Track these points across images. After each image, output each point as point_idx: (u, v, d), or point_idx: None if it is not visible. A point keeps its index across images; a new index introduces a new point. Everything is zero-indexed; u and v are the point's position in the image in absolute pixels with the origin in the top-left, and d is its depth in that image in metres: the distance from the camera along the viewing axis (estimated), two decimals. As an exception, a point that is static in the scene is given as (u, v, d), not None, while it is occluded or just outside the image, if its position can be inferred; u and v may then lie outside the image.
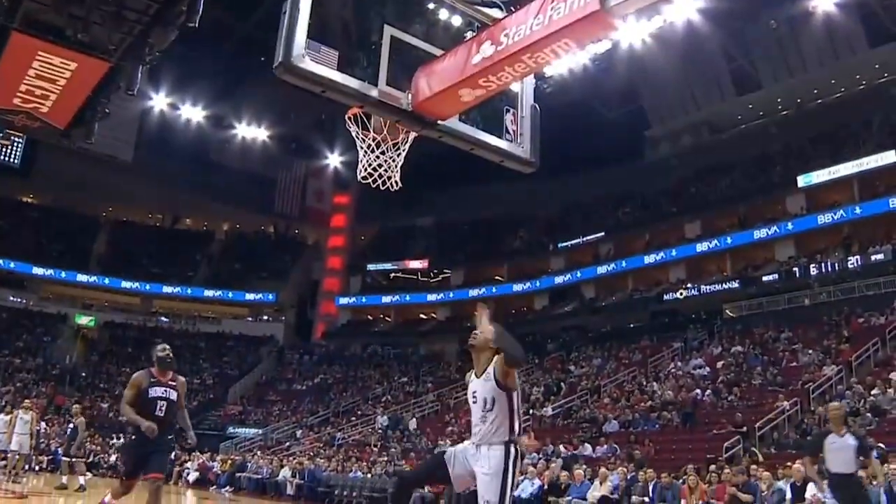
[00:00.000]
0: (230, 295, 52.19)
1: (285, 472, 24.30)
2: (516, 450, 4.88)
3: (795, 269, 33.41)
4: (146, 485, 7.37)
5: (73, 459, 17.25)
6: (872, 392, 19.57)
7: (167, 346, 7.62)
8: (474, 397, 4.99)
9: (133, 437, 7.32)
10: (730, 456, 18.21)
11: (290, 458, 27.34)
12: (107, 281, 50.20)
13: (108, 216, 55.62)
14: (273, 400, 42.39)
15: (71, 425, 17.40)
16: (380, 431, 31.48)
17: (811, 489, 12.70)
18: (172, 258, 53.34)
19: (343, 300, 51.60)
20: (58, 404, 37.73)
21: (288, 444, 33.54)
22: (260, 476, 25.08)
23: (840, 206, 33.89)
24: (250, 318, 52.58)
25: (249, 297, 52.42)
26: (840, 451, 8.99)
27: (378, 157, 5.87)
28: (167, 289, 51.26)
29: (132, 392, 7.23)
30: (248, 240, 58.20)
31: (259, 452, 30.09)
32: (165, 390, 7.32)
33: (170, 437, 7.55)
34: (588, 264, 42.95)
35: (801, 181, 35.52)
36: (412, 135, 5.88)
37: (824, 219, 34.04)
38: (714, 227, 38.70)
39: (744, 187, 39.05)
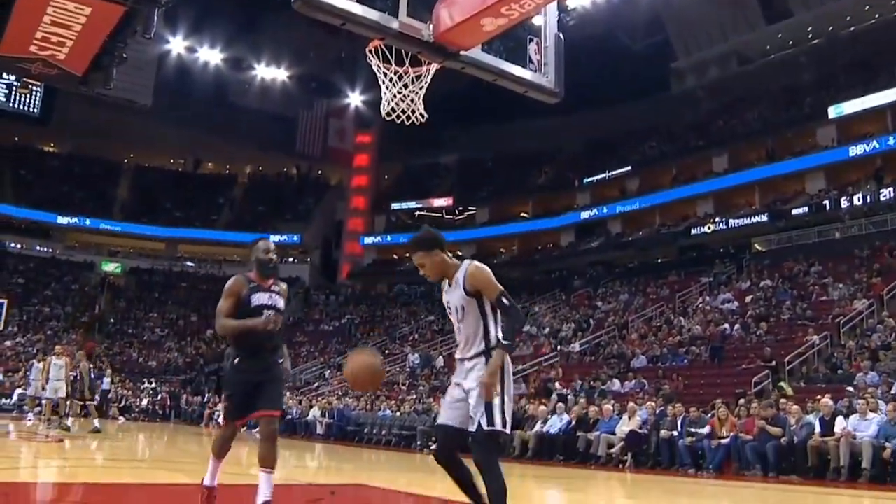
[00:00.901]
0: (255, 237, 52.24)
1: (315, 413, 24.67)
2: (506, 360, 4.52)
3: (826, 201, 32.92)
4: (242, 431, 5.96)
5: (87, 402, 17.62)
6: (905, 326, 19.42)
7: (271, 245, 6.13)
8: (449, 307, 4.72)
9: (237, 360, 5.60)
10: (759, 390, 18.21)
11: (319, 399, 27.70)
12: (131, 227, 50.69)
13: (129, 162, 55.93)
14: (300, 341, 42.84)
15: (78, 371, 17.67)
16: (408, 370, 31.77)
17: (840, 423, 12.71)
18: (195, 202, 53.73)
19: (368, 240, 51.77)
20: (88, 351, 38.33)
21: (316, 384, 33.95)
22: (290, 417, 25.44)
23: (873, 137, 33.18)
24: (275, 261, 52.89)
25: (274, 239, 52.33)
26: None
27: (401, 90, 5.78)
28: (191, 233, 51.73)
29: (230, 301, 5.58)
30: (270, 182, 58.38)
31: (288, 394, 30.45)
32: (271, 297, 5.75)
33: (281, 360, 5.89)
34: (614, 199, 42.67)
35: (833, 112, 34.78)
36: (434, 66, 5.77)
37: (856, 150, 33.33)
38: (742, 160, 38.17)
39: (773, 119, 38.41)
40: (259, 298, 5.66)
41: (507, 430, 4.50)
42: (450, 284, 4.67)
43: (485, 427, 4.38)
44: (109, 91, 9.78)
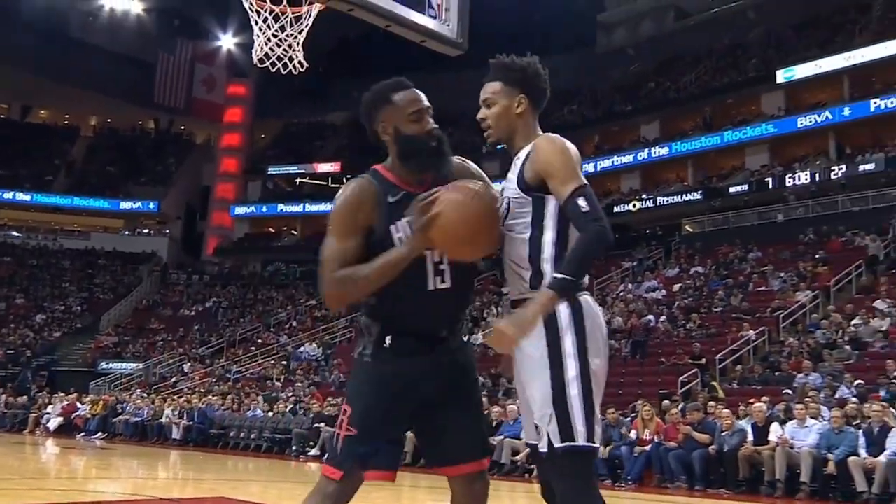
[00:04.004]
0: (101, 203, 51.18)
1: (169, 413, 24.28)
2: (574, 306, 3.15)
3: (769, 179, 33.83)
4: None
5: None
6: (853, 322, 20.00)
7: (414, 97, 3.61)
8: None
9: (377, 346, 3.41)
10: (686, 391, 18.73)
11: (176, 397, 27.33)
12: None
13: (-71, 103, 53.58)
14: (155, 328, 42.07)
15: None
16: (283, 364, 31.65)
17: (775, 430, 13.09)
18: (24, 158, 51.87)
19: (239, 210, 51.14)
20: None
21: (174, 380, 33.46)
22: (139, 419, 25.01)
23: (825, 106, 33.99)
24: (126, 232, 51.84)
25: (125, 205, 51.53)
26: None
27: (277, 33, 5.75)
28: (19, 196, 50.06)
29: (351, 236, 3.35)
30: (122, 137, 57.01)
31: (139, 391, 30.01)
32: None
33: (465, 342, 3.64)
34: (527, 170, 42.98)
35: (781, 76, 35.41)
36: (316, 6, 5.76)
37: (806, 121, 34.08)
38: (675, 129, 39.05)
39: (712, 83, 39.23)
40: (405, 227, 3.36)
41: (596, 443, 3.15)
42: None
43: (557, 444, 3.07)
44: None
